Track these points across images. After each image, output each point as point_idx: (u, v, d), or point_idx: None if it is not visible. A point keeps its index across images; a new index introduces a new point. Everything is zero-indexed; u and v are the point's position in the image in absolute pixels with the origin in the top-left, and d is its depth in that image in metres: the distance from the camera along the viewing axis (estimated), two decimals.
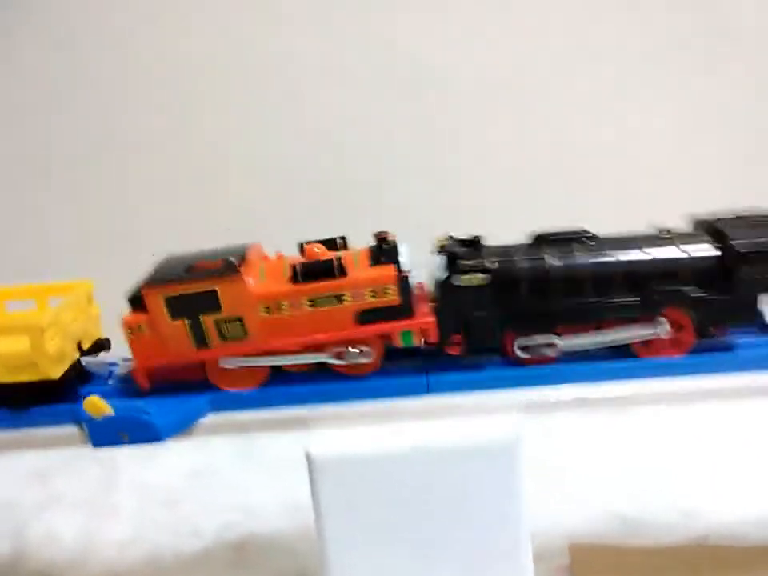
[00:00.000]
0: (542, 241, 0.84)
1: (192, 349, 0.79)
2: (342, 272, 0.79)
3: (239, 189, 1.56)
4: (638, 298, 0.81)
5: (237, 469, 1.30)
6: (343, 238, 0.86)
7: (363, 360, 0.82)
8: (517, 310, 0.82)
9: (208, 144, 1.57)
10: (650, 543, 1.02)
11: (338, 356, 0.82)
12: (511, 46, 1.53)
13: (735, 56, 1.52)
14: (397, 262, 0.80)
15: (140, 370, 0.81)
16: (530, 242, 0.85)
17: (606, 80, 1.54)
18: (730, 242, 0.80)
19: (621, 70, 1.54)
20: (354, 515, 0.74)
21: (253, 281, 0.79)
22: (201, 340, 0.79)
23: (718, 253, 0.81)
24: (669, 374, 0.83)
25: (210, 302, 0.78)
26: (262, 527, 1.15)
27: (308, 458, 0.73)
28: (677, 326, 0.82)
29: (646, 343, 0.83)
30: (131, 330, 0.79)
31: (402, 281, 0.79)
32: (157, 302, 0.77)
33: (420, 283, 0.86)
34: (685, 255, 0.81)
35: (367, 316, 0.80)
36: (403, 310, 0.80)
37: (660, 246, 0.82)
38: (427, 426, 0.76)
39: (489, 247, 0.84)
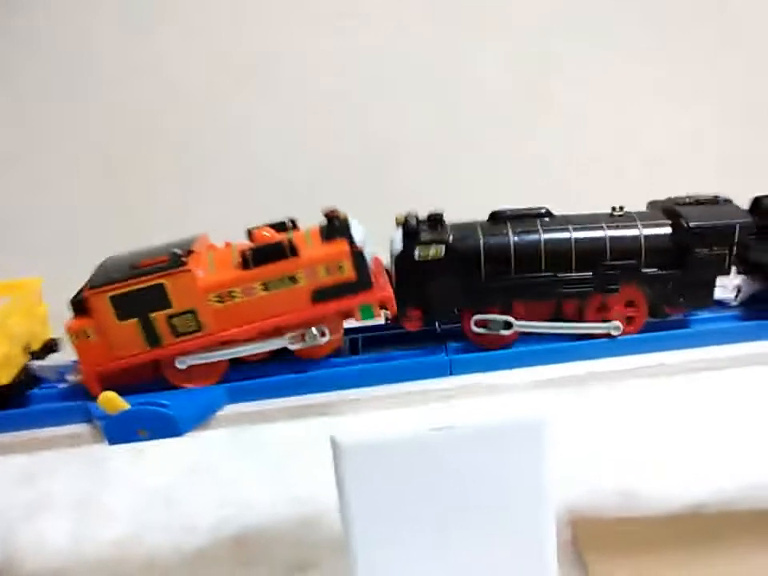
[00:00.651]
0: (502, 218, 0.83)
1: (145, 348, 0.76)
2: (294, 252, 0.76)
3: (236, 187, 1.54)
4: (593, 275, 0.81)
5: (230, 463, 1.28)
6: (293, 220, 0.83)
7: (323, 340, 0.79)
8: (474, 285, 0.81)
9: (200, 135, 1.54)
10: (649, 514, 1.03)
11: (298, 339, 0.79)
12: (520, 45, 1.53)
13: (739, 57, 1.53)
14: (349, 237, 0.77)
15: (90, 376, 0.77)
16: (488, 219, 0.84)
17: (614, 79, 1.55)
18: (682, 221, 0.81)
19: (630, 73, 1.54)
20: (380, 501, 0.73)
21: (202, 271, 0.76)
22: (153, 338, 0.76)
23: (671, 230, 0.82)
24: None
25: (159, 297, 0.74)
26: (261, 521, 1.13)
27: (334, 444, 0.71)
28: (631, 302, 0.83)
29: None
30: (77, 335, 0.76)
31: (356, 255, 0.77)
32: (102, 304, 0.74)
33: (376, 258, 0.84)
34: (639, 233, 0.81)
35: (323, 294, 0.77)
36: (360, 284, 0.77)
37: (616, 224, 0.82)
38: (446, 409, 0.77)
39: (450, 224, 0.83)
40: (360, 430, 0.73)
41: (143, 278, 0.74)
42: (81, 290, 0.77)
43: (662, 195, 0.90)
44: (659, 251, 0.81)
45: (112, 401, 0.73)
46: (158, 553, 1.09)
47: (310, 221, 0.83)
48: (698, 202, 0.85)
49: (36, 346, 0.85)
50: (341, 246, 0.77)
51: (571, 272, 0.81)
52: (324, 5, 1.49)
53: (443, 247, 0.79)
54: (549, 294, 0.82)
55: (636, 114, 1.57)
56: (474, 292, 0.81)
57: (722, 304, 0.88)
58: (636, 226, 0.82)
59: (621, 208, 0.84)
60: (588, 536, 0.98)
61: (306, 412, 0.79)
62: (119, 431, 0.74)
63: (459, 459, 0.72)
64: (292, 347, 0.79)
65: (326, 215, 0.79)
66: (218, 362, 0.79)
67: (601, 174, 1.56)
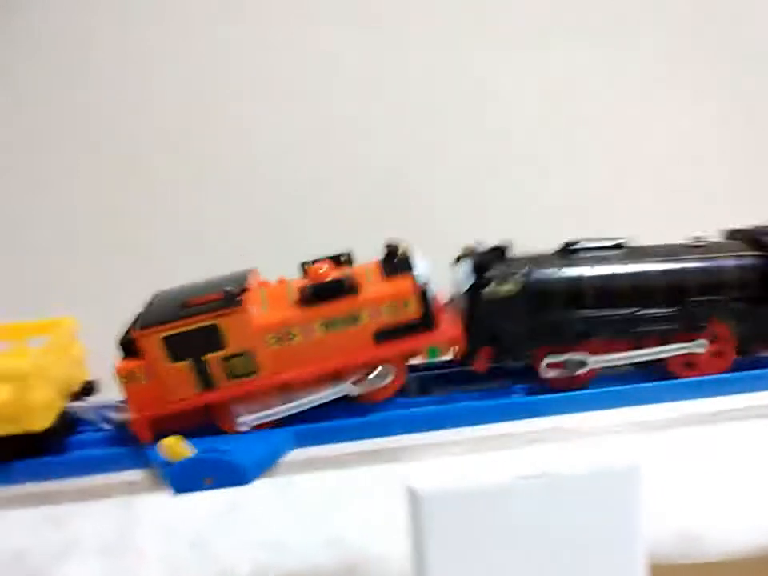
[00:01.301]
0: (573, 249, 0.78)
1: (197, 392, 0.72)
2: (355, 290, 0.72)
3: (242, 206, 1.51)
4: (677, 311, 0.76)
5: (263, 504, 1.23)
6: (348, 254, 0.79)
7: (384, 383, 0.75)
8: (548, 323, 0.76)
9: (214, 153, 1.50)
10: (719, 559, 0.97)
11: (360, 382, 0.74)
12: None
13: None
14: (412, 273, 0.73)
15: (140, 420, 0.73)
16: (560, 250, 0.79)
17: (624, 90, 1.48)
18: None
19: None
20: (460, 553, 0.69)
21: (256, 310, 0.71)
22: (207, 381, 0.72)
23: (760, 261, 0.77)
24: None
25: (213, 338, 0.70)
26: (297, 564, 1.09)
27: (411, 492, 0.66)
28: (718, 341, 0.77)
29: (685, 362, 0.78)
30: (126, 378, 0.71)
31: (422, 292, 0.72)
32: (153, 345, 0.70)
33: (436, 294, 0.79)
34: (725, 265, 0.77)
35: (387, 334, 0.73)
36: (425, 323, 0.73)
37: (697, 255, 0.77)
38: (523, 455, 0.73)
39: (517, 256, 0.78)
40: (438, 478, 0.68)
41: (197, 318, 0.70)
42: (129, 329, 0.73)
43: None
44: (747, 284, 0.76)
45: (175, 447, 0.69)
46: None
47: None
48: None
49: (73, 389, 0.81)
50: (406, 283, 0.72)
51: (653, 308, 0.76)
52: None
53: (516, 286, 0.74)
54: (629, 332, 0.76)
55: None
56: (547, 330, 0.76)
57: None
58: (721, 257, 0.77)
59: (703, 241, 0.79)
60: None
61: (374, 457, 0.74)
62: (184, 479, 0.70)
63: (547, 509, 0.67)
64: (353, 393, 0.74)
65: (387, 247, 0.75)
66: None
67: (635, 193, 1.52)
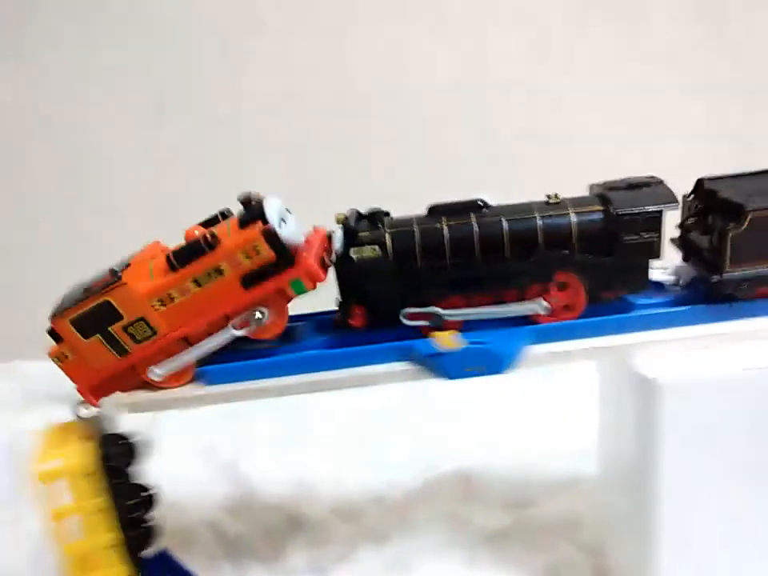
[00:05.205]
0: (438, 212, 0.83)
1: (116, 359, 0.84)
2: (212, 246, 0.79)
3: None
4: (527, 264, 0.81)
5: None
6: (224, 213, 0.86)
7: (268, 321, 0.83)
8: (413, 281, 0.82)
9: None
10: None
11: (241, 327, 0.83)
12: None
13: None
14: (263, 219, 0.79)
15: (84, 390, 0.86)
16: (427, 213, 0.85)
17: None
18: (610, 207, 0.80)
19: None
20: (693, 443, 0.75)
21: (143, 281, 0.81)
22: (120, 349, 0.83)
23: (601, 217, 0.81)
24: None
25: (110, 312, 0.81)
26: (486, 461, 1.22)
27: (647, 381, 0.74)
28: (567, 290, 0.83)
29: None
30: (59, 359, 0.84)
31: (268, 235, 0.78)
32: (67, 328, 0.82)
33: (317, 229, 0.87)
34: (571, 220, 0.81)
35: (252, 279, 0.80)
36: (283, 262, 0.79)
37: (549, 212, 0.82)
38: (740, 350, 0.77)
39: (390, 220, 0.85)
40: (673, 369, 0.73)
41: (92, 298, 0.81)
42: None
43: None
44: (591, 238, 0.81)
45: (447, 340, 0.80)
46: (386, 491, 1.19)
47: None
48: (629, 185, 0.83)
49: None
50: (253, 230, 0.79)
51: (506, 263, 0.81)
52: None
53: (380, 249, 0.81)
54: (486, 287, 0.82)
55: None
56: (413, 287, 0.82)
57: (663, 287, 0.89)
58: (568, 214, 0.81)
59: (556, 195, 0.83)
60: None
61: (604, 353, 0.82)
62: (454, 368, 0.81)
63: None
64: (237, 333, 0.83)
65: (242, 201, 0.81)
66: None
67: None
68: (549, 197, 0.83)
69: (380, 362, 0.83)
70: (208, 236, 0.79)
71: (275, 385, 0.84)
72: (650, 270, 0.83)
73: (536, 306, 0.82)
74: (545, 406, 1.37)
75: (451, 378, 0.80)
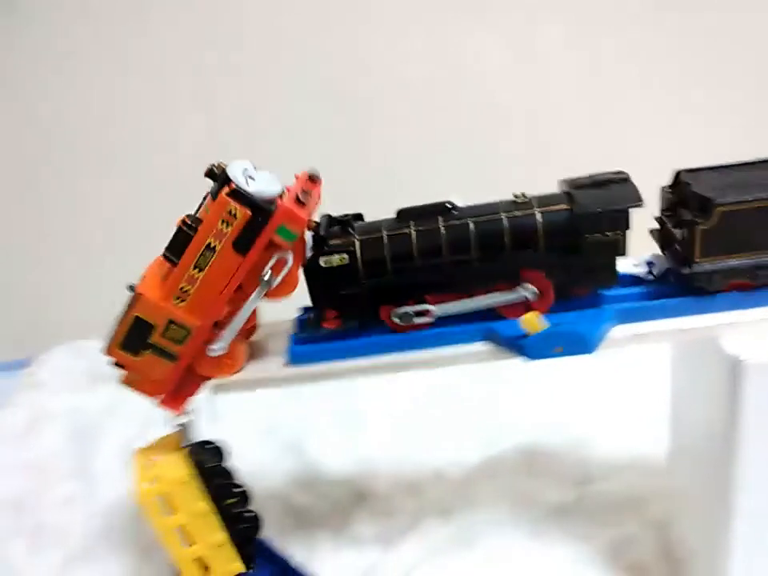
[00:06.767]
0: (407, 215, 0.84)
1: (172, 365, 0.85)
2: (194, 228, 0.79)
3: None
4: (493, 263, 0.82)
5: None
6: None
7: (277, 281, 0.82)
8: (384, 285, 0.83)
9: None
10: None
11: (259, 294, 0.83)
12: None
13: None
14: (228, 182, 0.78)
15: (164, 403, 0.88)
16: (396, 217, 0.84)
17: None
18: (574, 206, 0.80)
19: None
20: None
21: (155, 288, 0.83)
22: (169, 355, 0.85)
23: (566, 216, 0.80)
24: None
25: (143, 325, 0.83)
26: (550, 438, 1.22)
27: (731, 361, 0.74)
28: (539, 288, 0.83)
29: (511, 305, 0.84)
30: (129, 384, 0.87)
31: (235, 194, 0.77)
32: (120, 354, 0.85)
33: (298, 177, 0.84)
34: (536, 219, 0.81)
35: (242, 244, 0.80)
36: (261, 216, 0.78)
37: (516, 212, 0.81)
38: None
39: (361, 225, 0.85)
40: (761, 349, 0.74)
41: (125, 321, 0.83)
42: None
43: None
44: (557, 236, 0.81)
45: (533, 321, 0.81)
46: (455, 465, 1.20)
47: None
48: (595, 183, 0.81)
49: None
50: (221, 197, 0.78)
51: (473, 263, 0.82)
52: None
53: (346, 256, 0.82)
54: (455, 288, 0.83)
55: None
56: (385, 290, 0.83)
57: (637, 279, 0.87)
58: (533, 214, 0.81)
59: (523, 194, 0.83)
60: None
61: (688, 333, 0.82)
62: (539, 348, 0.82)
63: None
64: (260, 301, 0.84)
65: (207, 175, 0.80)
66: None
67: None
68: (516, 196, 0.83)
69: (463, 342, 0.84)
70: (187, 219, 0.80)
71: (359, 365, 0.85)
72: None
73: (525, 294, 0.82)
74: (611, 383, 1.32)
75: (533, 358, 0.81)
